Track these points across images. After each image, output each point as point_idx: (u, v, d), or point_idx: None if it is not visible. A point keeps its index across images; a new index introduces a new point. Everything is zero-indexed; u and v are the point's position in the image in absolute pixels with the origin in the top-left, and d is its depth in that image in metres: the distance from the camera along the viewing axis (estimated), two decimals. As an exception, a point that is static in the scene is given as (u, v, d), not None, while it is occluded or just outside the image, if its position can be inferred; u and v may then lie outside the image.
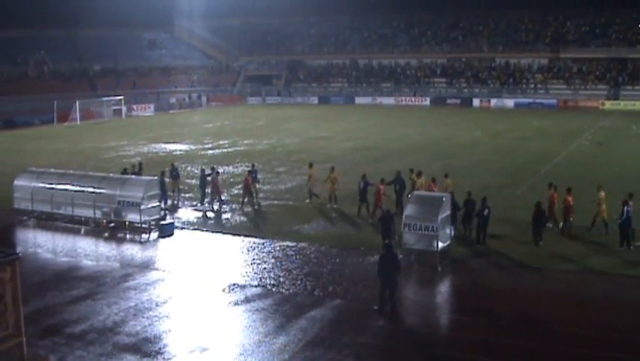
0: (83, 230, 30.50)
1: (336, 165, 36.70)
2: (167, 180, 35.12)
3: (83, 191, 31.03)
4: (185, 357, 17.55)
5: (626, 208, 25.96)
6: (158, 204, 30.99)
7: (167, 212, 33.04)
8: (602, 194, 28.20)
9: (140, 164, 37.03)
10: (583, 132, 62.00)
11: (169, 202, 34.58)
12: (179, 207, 34.54)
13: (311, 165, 35.07)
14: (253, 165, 37.34)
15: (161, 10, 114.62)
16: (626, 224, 25.88)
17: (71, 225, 31.20)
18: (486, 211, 26.80)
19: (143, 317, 19.94)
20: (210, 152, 53.24)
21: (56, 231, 30.66)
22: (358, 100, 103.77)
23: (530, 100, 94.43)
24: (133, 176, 33.85)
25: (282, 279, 23.24)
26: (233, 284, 22.80)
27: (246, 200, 34.01)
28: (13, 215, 32.67)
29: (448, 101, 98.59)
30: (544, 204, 27.29)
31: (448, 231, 25.31)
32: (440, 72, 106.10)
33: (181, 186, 37.05)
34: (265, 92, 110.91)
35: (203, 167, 37.37)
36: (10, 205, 33.11)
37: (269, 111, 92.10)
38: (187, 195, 36.58)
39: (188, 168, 44.02)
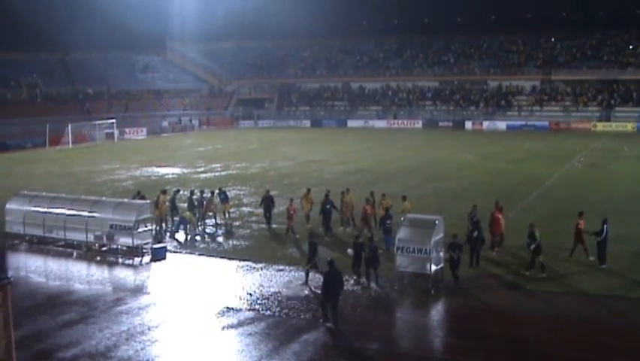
0: (75, 254, 30.31)
1: (330, 189, 36.54)
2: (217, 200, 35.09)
3: (75, 215, 30.91)
4: (178, 382, 17.42)
5: (605, 227, 26.27)
6: (150, 227, 30.84)
7: (197, 235, 33.07)
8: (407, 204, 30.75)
9: (177, 191, 36.97)
10: (575, 154, 62.24)
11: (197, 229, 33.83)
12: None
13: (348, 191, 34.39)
14: (220, 188, 37.13)
15: (153, 34, 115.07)
16: (604, 242, 26.21)
17: (63, 249, 31.03)
18: (475, 233, 26.76)
19: (135, 342, 19.79)
20: (203, 175, 53.15)
21: (48, 255, 30.47)
22: (350, 123, 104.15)
23: (522, 122, 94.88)
24: (140, 201, 33.33)
25: (274, 303, 23.12)
26: (226, 308, 22.68)
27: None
28: (4, 239, 32.48)
29: (440, 123, 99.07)
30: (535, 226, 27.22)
31: (441, 254, 25.23)
32: (432, 95, 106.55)
33: (231, 210, 36.52)
34: (257, 115, 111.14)
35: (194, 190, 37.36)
36: (1, 229, 32.95)
37: (261, 135, 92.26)
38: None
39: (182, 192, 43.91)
